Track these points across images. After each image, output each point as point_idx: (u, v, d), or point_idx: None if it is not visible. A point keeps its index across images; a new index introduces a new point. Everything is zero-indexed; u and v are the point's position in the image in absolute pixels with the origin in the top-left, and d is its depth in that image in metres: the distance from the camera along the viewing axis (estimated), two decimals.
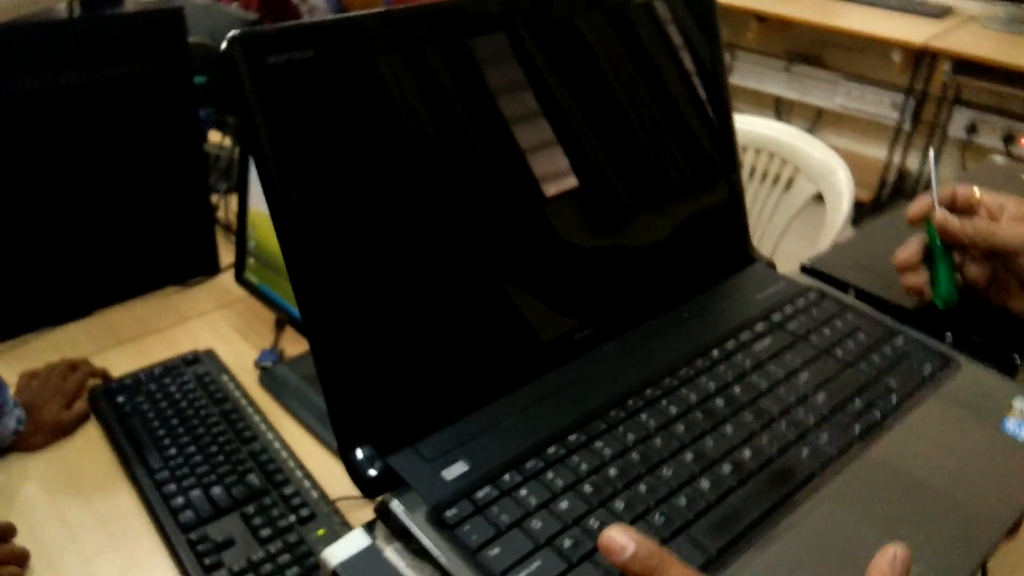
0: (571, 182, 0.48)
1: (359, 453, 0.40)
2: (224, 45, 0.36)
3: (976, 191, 0.54)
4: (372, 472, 0.40)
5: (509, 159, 0.45)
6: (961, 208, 0.53)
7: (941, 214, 0.52)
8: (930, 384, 0.47)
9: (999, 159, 0.84)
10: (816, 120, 3.07)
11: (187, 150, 1.01)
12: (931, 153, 0.62)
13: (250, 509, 0.74)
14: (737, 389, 0.45)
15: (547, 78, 0.47)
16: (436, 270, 0.42)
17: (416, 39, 0.42)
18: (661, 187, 0.54)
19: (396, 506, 0.38)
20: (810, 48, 2.98)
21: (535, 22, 0.46)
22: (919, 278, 0.53)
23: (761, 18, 2.69)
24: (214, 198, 1.16)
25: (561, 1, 0.48)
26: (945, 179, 0.56)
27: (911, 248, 0.54)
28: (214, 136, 1.31)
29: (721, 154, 0.57)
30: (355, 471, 0.40)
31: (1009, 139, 2.56)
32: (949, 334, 0.53)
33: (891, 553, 0.33)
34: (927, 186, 0.57)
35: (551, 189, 0.47)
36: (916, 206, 0.55)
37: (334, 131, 0.39)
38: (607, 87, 0.50)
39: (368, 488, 0.40)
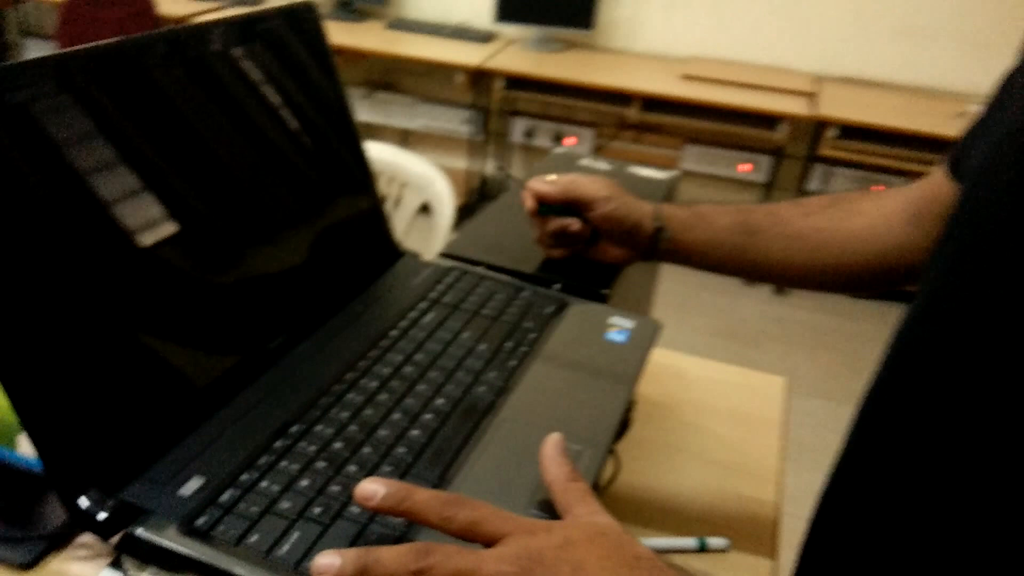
0: (227, 214, 0.52)
1: (84, 501, 0.40)
2: None
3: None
4: (104, 514, 0.40)
5: (158, 204, 0.48)
6: None
7: (537, 185, 0.67)
8: (553, 320, 0.61)
9: (559, 151, 1.06)
10: (404, 141, 3.35)
11: None
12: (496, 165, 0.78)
13: None
14: (419, 356, 0.54)
15: (178, 117, 0.50)
16: (108, 319, 0.44)
17: None
18: (310, 209, 0.60)
19: (143, 532, 0.39)
20: (386, 76, 3.24)
21: (147, 68, 0.49)
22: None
23: (337, 51, 2.85)
24: None
25: (183, 44, 0.51)
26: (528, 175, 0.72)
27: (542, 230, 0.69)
28: None
29: (356, 169, 0.66)
30: (86, 518, 0.40)
31: (558, 138, 3.08)
32: (557, 284, 0.68)
33: (551, 440, 0.44)
34: (507, 188, 0.73)
35: (213, 222, 0.51)
36: (527, 200, 0.69)
37: None
38: (238, 124, 0.55)
39: (105, 529, 0.40)
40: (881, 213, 0.65)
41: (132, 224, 0.45)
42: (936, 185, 0.61)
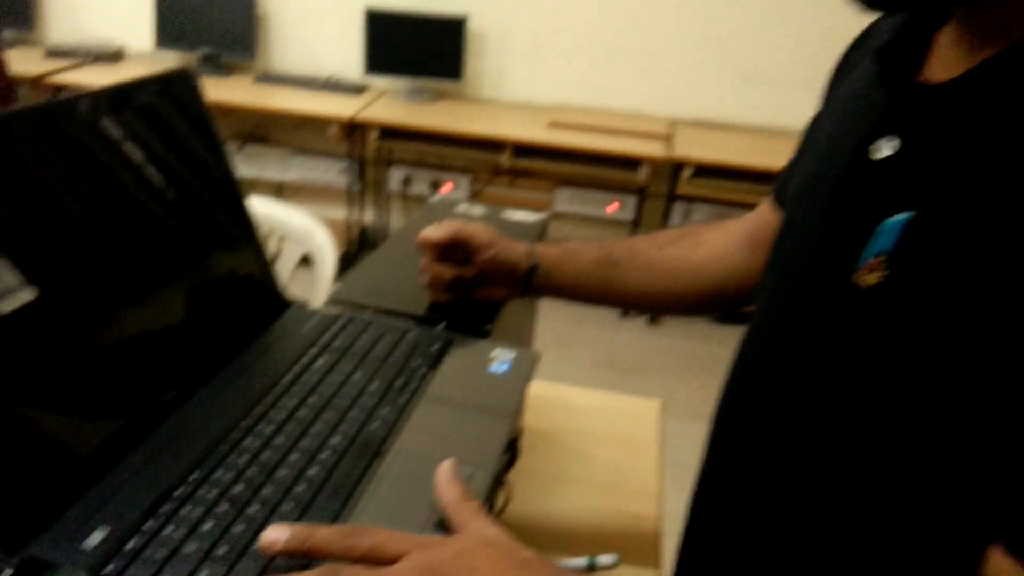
0: (114, 279, 0.54)
1: None
2: None
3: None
4: (9, 571, 0.41)
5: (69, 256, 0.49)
6: None
7: (425, 231, 0.71)
8: (440, 357, 0.65)
9: (437, 198, 1.12)
10: (278, 194, 3.32)
11: None
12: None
13: None
14: (314, 398, 0.57)
15: (55, 187, 0.52)
16: None
17: None
18: (195, 267, 0.62)
19: None
20: (256, 129, 3.21)
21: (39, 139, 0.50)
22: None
23: None
24: None
25: (64, 114, 0.53)
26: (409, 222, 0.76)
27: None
28: None
29: (239, 226, 0.68)
30: None
31: (435, 186, 3.15)
32: (442, 323, 0.72)
33: (445, 465, 0.49)
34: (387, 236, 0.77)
35: (101, 288, 0.52)
36: (429, 248, 0.73)
37: None
38: (118, 192, 0.56)
39: None
40: (722, 242, 0.74)
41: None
42: (765, 214, 0.70)
